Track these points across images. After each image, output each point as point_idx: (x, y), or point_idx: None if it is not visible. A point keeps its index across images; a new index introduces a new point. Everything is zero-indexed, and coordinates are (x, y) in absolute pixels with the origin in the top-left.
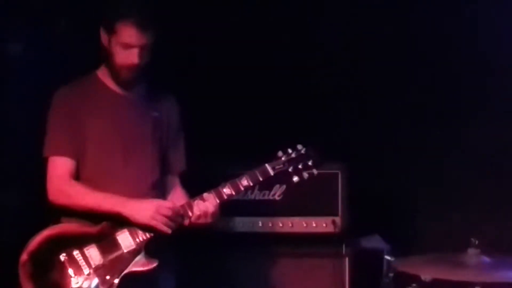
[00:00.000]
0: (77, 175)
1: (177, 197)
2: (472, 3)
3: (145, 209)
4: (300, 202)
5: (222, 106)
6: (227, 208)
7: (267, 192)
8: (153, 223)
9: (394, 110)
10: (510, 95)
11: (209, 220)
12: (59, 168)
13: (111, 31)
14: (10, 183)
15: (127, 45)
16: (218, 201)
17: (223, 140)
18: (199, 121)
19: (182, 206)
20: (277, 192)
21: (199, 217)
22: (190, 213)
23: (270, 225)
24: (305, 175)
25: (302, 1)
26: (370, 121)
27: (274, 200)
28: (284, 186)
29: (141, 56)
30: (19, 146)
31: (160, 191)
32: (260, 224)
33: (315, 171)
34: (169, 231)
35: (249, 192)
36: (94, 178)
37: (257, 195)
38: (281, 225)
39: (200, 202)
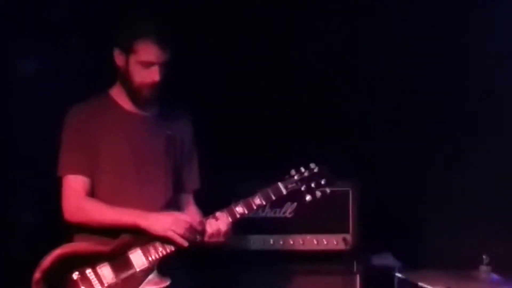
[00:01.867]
0: (92, 195)
1: (190, 215)
2: (487, 15)
3: (162, 221)
4: (311, 219)
5: (236, 125)
6: (239, 225)
7: (278, 209)
8: (170, 234)
9: (404, 127)
10: None
11: (221, 238)
12: (75, 186)
13: (129, 50)
14: (24, 201)
15: (148, 63)
16: (230, 219)
17: (236, 159)
18: (212, 140)
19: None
20: (288, 210)
21: (211, 235)
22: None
23: (281, 242)
24: (318, 193)
25: (316, 23)
26: (381, 139)
27: (285, 218)
28: (295, 204)
29: (161, 74)
30: (32, 163)
31: (173, 209)
32: (271, 242)
33: (327, 190)
34: (185, 243)
35: (260, 210)
36: (108, 197)
37: (268, 212)
38: (292, 242)
39: (213, 220)
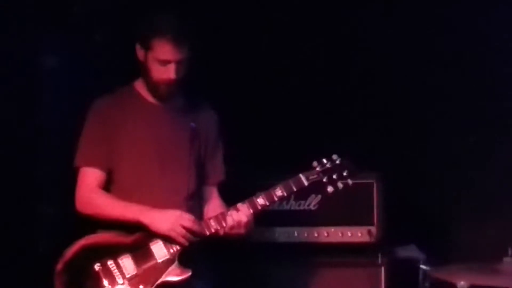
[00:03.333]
0: (113, 186)
1: (214, 207)
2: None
3: (165, 220)
4: (335, 211)
5: (259, 117)
6: (263, 218)
7: (302, 202)
8: (172, 234)
9: (429, 120)
10: None
11: (242, 230)
12: (88, 178)
13: (147, 47)
14: (48, 193)
15: (164, 61)
16: (252, 211)
17: (259, 151)
18: (234, 132)
19: (216, 217)
20: (312, 202)
21: (232, 227)
22: (224, 223)
23: (305, 235)
24: (340, 185)
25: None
26: (406, 130)
27: (310, 210)
28: (319, 196)
29: (178, 71)
30: (56, 156)
31: (196, 202)
32: (296, 234)
33: (350, 182)
34: (186, 243)
35: (284, 202)
36: (130, 189)
37: (292, 205)
38: (316, 235)
39: (234, 212)
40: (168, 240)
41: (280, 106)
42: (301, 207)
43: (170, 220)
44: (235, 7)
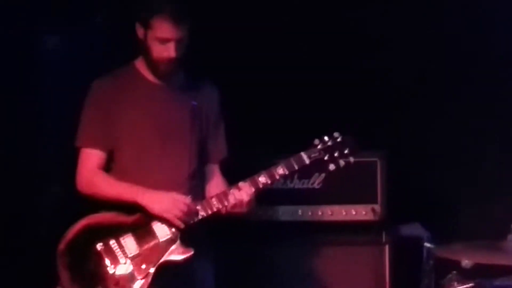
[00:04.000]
0: (114, 165)
1: (215, 185)
2: None
3: (161, 201)
4: (339, 190)
5: (260, 96)
6: (267, 196)
7: (306, 180)
8: (167, 215)
9: (433, 100)
10: None
11: (244, 209)
12: (89, 160)
13: (147, 26)
14: (51, 175)
15: (163, 40)
16: (253, 189)
17: (261, 130)
18: (236, 111)
19: (218, 195)
20: (316, 181)
21: (234, 206)
22: (225, 202)
23: (309, 213)
24: (341, 162)
25: None
26: (408, 108)
27: (314, 189)
28: (323, 175)
29: (178, 49)
30: (59, 137)
31: (199, 180)
32: (300, 213)
33: (351, 159)
34: (182, 225)
35: (288, 181)
36: (132, 168)
37: (296, 183)
38: (320, 213)
39: (236, 191)
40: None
41: (282, 85)
42: (305, 186)
43: (166, 202)
44: None
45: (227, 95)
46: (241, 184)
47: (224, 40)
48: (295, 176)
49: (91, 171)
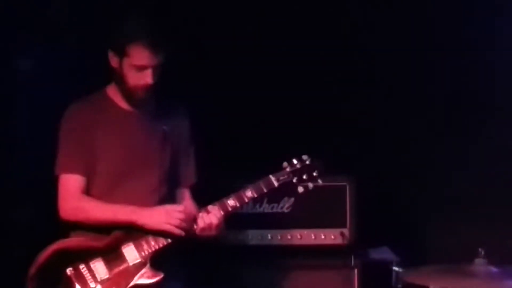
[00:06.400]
0: (88, 192)
1: (186, 207)
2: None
3: (157, 215)
4: (308, 214)
5: (231, 120)
6: (236, 220)
7: (275, 204)
8: (166, 227)
9: (401, 122)
10: None
11: (213, 232)
12: (71, 185)
13: (122, 54)
14: (21, 199)
15: (141, 67)
16: (222, 213)
17: (231, 154)
18: (206, 135)
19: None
20: (285, 205)
21: (203, 229)
22: (194, 226)
23: (279, 237)
24: (310, 185)
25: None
26: (377, 133)
27: (283, 213)
28: (292, 199)
29: (155, 76)
30: (29, 162)
31: (170, 204)
32: (269, 237)
33: (320, 182)
34: (182, 233)
35: (257, 205)
36: (105, 194)
37: (266, 207)
38: (290, 237)
39: (205, 214)
40: (157, 235)
41: (252, 109)
42: (274, 210)
43: (161, 215)
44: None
45: (197, 120)
46: (210, 207)
47: (188, 67)
48: (265, 200)
49: (75, 196)
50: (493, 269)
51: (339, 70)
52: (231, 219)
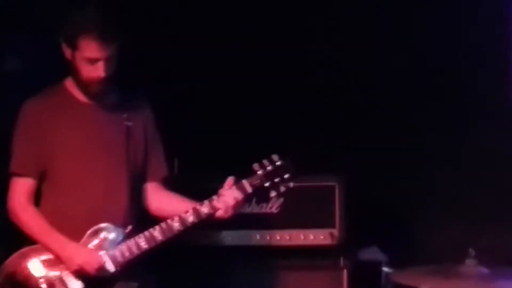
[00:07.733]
0: (48, 186)
1: (176, 200)
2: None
3: (77, 257)
4: (297, 214)
5: (209, 118)
6: (225, 221)
7: (264, 205)
8: (81, 270)
9: (392, 121)
10: (508, 109)
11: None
12: (18, 189)
13: (74, 46)
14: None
15: (92, 59)
16: (196, 221)
17: (211, 154)
18: (182, 136)
19: (160, 227)
20: (274, 205)
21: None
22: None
23: (267, 238)
24: (282, 188)
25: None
26: (368, 132)
27: (272, 213)
28: (281, 199)
29: (107, 69)
30: None
31: (137, 199)
32: (258, 237)
33: (291, 185)
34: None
35: (246, 205)
36: (67, 191)
37: (254, 208)
38: (278, 238)
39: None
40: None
41: (238, 108)
42: (263, 210)
43: (81, 258)
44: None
45: (169, 122)
46: (183, 215)
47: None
48: (253, 201)
49: (20, 204)
50: (484, 270)
51: (325, 69)
52: (220, 220)
